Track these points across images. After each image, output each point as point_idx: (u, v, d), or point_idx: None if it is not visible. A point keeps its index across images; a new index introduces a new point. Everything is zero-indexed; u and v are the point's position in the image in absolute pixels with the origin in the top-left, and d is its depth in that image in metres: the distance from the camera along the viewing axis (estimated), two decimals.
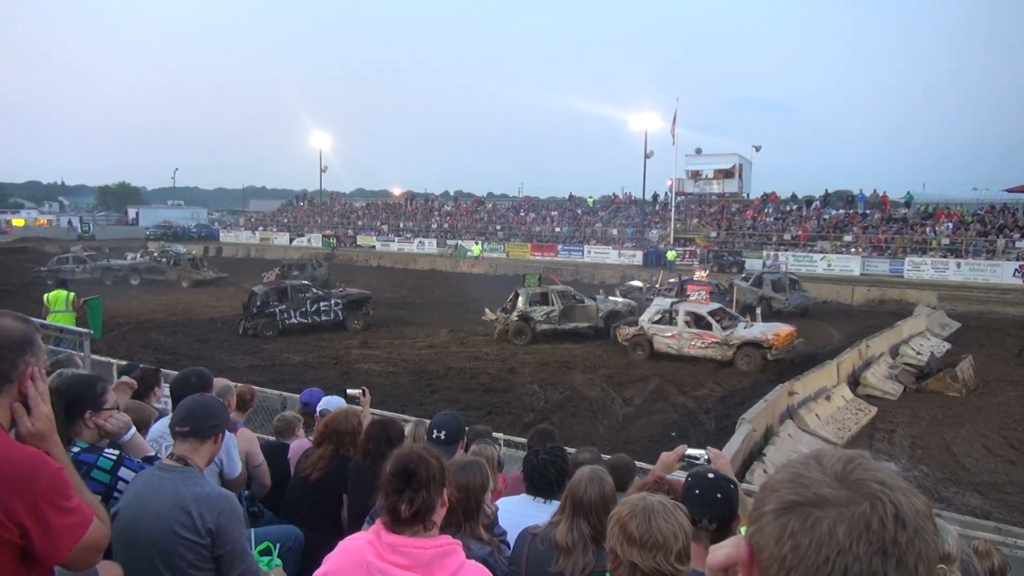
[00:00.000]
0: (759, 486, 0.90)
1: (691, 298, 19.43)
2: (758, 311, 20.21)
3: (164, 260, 35.48)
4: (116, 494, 2.87)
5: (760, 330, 17.51)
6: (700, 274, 25.83)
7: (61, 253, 37.22)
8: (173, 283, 33.57)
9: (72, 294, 13.71)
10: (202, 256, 39.37)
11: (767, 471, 9.28)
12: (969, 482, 10.39)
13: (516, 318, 20.17)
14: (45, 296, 13.67)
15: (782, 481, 0.84)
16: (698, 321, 17.80)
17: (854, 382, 15.06)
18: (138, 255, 38.84)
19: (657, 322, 18.28)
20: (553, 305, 20.48)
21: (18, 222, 68.97)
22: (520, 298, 20.49)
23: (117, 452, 3.02)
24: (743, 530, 1.05)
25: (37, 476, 1.75)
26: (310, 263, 33.12)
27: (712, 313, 17.87)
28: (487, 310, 21.16)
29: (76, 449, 2.85)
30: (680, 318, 17.94)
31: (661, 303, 18.98)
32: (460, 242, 46.79)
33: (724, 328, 17.44)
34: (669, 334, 17.96)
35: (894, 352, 17.72)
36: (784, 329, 17.82)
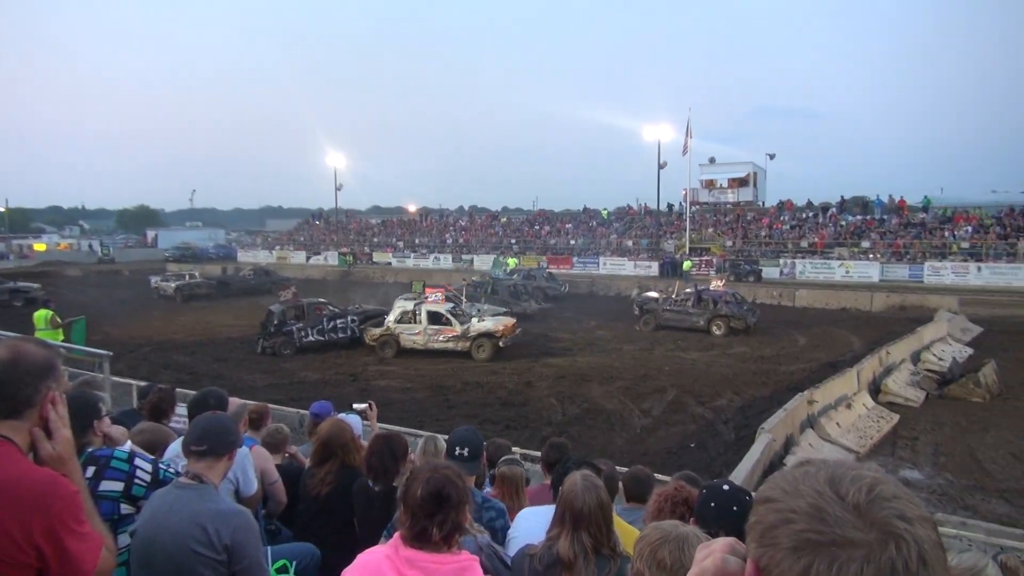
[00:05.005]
0: (760, 496, 0.89)
1: (429, 299, 20.67)
2: (484, 306, 21.99)
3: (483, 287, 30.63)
4: (136, 481, 3.01)
5: (492, 323, 19.98)
6: (716, 283, 25.71)
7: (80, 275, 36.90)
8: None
9: (51, 312, 14.01)
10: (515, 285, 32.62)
11: None
12: (995, 489, 10.23)
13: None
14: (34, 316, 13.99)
15: (799, 513, 0.81)
16: (438, 319, 19.75)
17: (875, 390, 14.90)
18: None
19: (401, 322, 20.10)
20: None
21: (39, 247, 69.22)
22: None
23: (128, 447, 3.25)
24: None
25: (54, 497, 1.75)
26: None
27: (450, 311, 20.03)
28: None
29: (91, 449, 3.06)
30: (423, 317, 19.84)
31: (404, 305, 20.52)
32: (497, 256, 46.26)
33: (462, 323, 19.58)
34: (415, 332, 19.89)
35: (915, 358, 17.52)
36: (509, 321, 20.57)
